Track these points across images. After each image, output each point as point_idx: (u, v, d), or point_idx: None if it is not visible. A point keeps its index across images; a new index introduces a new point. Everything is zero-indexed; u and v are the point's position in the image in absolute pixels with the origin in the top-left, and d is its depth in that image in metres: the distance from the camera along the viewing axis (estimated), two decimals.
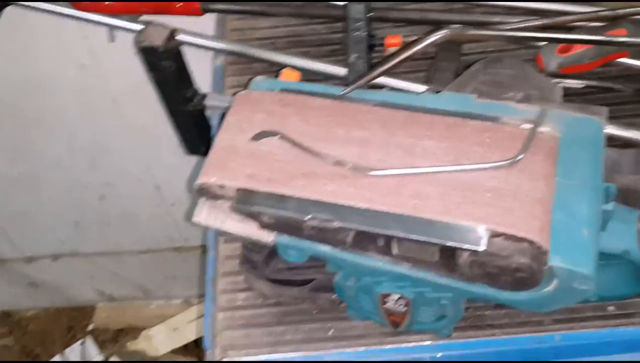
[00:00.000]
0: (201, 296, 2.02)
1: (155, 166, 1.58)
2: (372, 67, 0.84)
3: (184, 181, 1.59)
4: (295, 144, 0.63)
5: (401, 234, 0.58)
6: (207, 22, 1.01)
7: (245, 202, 0.61)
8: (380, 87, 0.81)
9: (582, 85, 0.84)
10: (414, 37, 0.88)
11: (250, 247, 0.74)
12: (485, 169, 0.59)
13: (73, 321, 2.04)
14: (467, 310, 0.71)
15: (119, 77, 1.36)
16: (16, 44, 1.25)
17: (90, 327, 2.04)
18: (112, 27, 0.99)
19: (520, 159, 0.59)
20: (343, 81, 0.86)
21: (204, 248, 1.84)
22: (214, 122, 0.95)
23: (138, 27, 0.95)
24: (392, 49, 0.88)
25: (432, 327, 0.69)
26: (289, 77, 0.74)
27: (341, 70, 0.87)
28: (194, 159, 1.42)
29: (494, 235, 0.56)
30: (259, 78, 0.71)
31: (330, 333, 0.74)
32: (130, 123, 1.46)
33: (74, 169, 1.58)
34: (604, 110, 0.64)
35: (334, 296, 0.72)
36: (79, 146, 1.52)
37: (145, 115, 1.43)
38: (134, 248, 1.84)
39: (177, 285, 1.99)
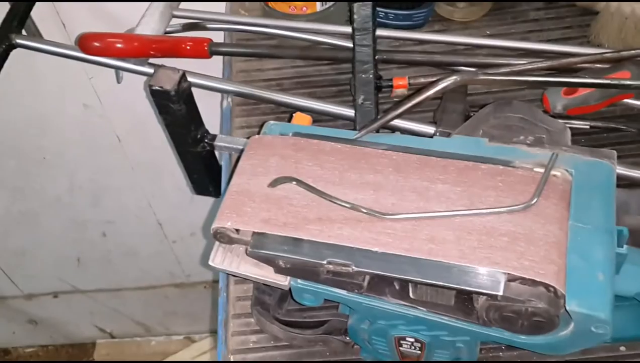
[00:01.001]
0: (202, 332, 2.01)
1: (157, 203, 1.58)
2: (379, 108, 0.85)
3: (185, 218, 1.60)
4: (310, 188, 0.63)
5: (418, 278, 0.58)
6: (213, 64, 1.02)
7: (261, 246, 0.61)
8: (390, 128, 0.81)
9: (588, 126, 0.85)
10: (420, 78, 0.90)
11: (262, 289, 0.75)
12: (500, 212, 0.60)
13: (73, 358, 2.03)
14: (480, 352, 0.71)
15: (122, 116, 1.37)
16: (20, 83, 1.26)
17: None
18: (120, 69, 1.00)
19: (534, 203, 0.60)
20: (351, 122, 0.87)
21: (205, 285, 1.85)
22: (221, 162, 0.95)
23: (146, 69, 0.96)
24: (400, 90, 0.89)
25: None
26: (301, 120, 0.75)
27: (349, 112, 0.88)
28: (196, 197, 1.43)
29: (511, 279, 0.56)
30: (271, 122, 0.71)
31: None
32: (132, 161, 1.47)
33: (75, 206, 1.58)
34: (614, 153, 0.64)
35: (347, 338, 0.72)
36: (81, 184, 1.52)
37: (147, 154, 1.44)
38: (135, 285, 1.84)
39: (178, 321, 1.99)
